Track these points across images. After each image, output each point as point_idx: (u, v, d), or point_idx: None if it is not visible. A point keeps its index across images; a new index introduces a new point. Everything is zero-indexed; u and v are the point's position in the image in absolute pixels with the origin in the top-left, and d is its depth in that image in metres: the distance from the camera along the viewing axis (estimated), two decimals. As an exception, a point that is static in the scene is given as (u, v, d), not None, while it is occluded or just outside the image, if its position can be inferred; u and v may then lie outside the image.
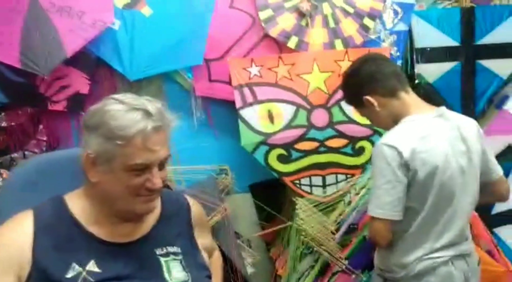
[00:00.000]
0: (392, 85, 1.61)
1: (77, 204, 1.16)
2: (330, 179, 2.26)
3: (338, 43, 2.31)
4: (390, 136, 1.54)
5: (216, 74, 2.26)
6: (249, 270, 2.29)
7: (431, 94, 2.42)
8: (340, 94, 1.94)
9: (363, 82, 1.64)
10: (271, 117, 2.20)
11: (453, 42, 2.48)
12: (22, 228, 1.09)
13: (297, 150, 2.22)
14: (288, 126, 2.22)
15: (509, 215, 2.50)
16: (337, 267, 2.12)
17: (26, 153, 2.22)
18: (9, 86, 2.06)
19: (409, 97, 1.62)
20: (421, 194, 1.53)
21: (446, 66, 2.49)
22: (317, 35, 2.30)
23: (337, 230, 2.17)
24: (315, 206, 2.22)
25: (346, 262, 2.11)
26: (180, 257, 1.21)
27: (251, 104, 2.19)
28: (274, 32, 2.26)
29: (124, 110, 1.09)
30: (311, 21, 2.29)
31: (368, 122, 1.82)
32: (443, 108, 1.61)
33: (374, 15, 2.35)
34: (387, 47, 2.36)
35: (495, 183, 1.71)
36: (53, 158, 1.44)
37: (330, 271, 2.14)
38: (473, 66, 2.50)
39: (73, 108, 2.12)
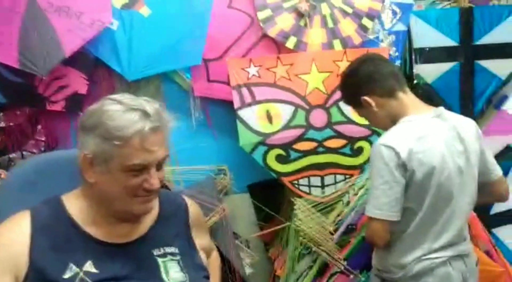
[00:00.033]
0: (390, 85, 1.61)
1: (74, 204, 1.16)
2: (328, 179, 2.26)
3: (337, 44, 2.31)
4: (387, 137, 1.54)
5: (214, 74, 2.25)
6: (248, 270, 2.29)
7: (430, 95, 2.42)
8: (338, 94, 1.93)
9: (361, 82, 1.64)
10: (269, 118, 2.20)
11: (451, 43, 2.48)
12: (19, 228, 1.09)
13: (296, 150, 2.22)
14: (286, 126, 2.21)
15: (507, 215, 2.49)
16: (335, 267, 2.12)
17: (24, 153, 2.21)
18: (7, 87, 2.06)
19: (407, 98, 1.63)
20: (419, 194, 1.53)
21: (445, 66, 2.49)
22: (315, 35, 2.30)
23: (336, 230, 2.17)
24: (313, 206, 2.22)
25: (345, 262, 2.11)
26: (177, 257, 1.22)
27: (249, 104, 2.19)
28: (272, 32, 2.25)
29: (122, 111, 1.09)
30: (309, 21, 2.28)
31: (366, 122, 1.82)
32: (441, 109, 1.61)
33: (373, 15, 2.35)
34: (386, 48, 2.36)
35: (494, 183, 1.71)
36: (52, 158, 1.44)
37: (328, 271, 2.14)
38: (472, 67, 2.50)
39: (72, 108, 2.12)
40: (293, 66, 2.23)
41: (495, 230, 2.49)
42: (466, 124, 1.64)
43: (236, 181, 2.32)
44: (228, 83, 2.21)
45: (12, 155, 2.20)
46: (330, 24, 2.31)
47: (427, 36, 2.45)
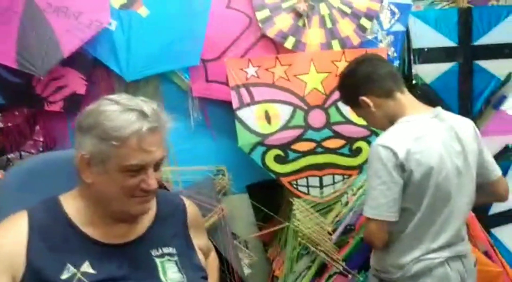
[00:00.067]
0: (388, 86, 1.62)
1: (72, 204, 1.16)
2: (327, 179, 2.26)
3: (335, 44, 2.31)
4: (385, 137, 1.54)
5: (213, 74, 2.25)
6: (246, 271, 2.29)
7: (429, 95, 2.42)
8: (337, 95, 1.93)
9: (359, 83, 1.64)
10: (268, 118, 2.20)
11: (450, 43, 2.48)
12: (16, 229, 1.09)
13: (294, 151, 2.22)
14: (285, 127, 2.21)
15: (506, 215, 2.49)
16: (334, 268, 2.12)
17: (22, 153, 2.21)
18: (6, 87, 2.05)
19: (405, 98, 1.63)
20: (417, 194, 1.53)
21: (444, 66, 2.49)
22: (314, 35, 2.30)
23: (334, 230, 2.17)
24: (312, 206, 2.22)
25: (343, 263, 2.11)
26: (175, 258, 1.21)
27: (248, 105, 2.18)
28: (271, 32, 2.25)
29: (119, 111, 1.09)
30: (308, 21, 2.28)
31: (365, 123, 1.82)
32: (438, 109, 1.61)
33: (371, 16, 2.35)
34: (384, 48, 2.36)
35: (493, 183, 1.71)
36: (50, 159, 1.44)
37: (327, 271, 2.14)
38: (471, 67, 2.51)
39: (70, 109, 2.11)
40: (292, 66, 2.23)
41: (494, 230, 2.49)
42: (464, 125, 1.64)
43: (234, 181, 2.32)
44: (226, 84, 2.21)
45: (11, 155, 2.20)
46: (329, 24, 2.31)
47: (425, 36, 2.46)
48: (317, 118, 2.24)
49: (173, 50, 2.18)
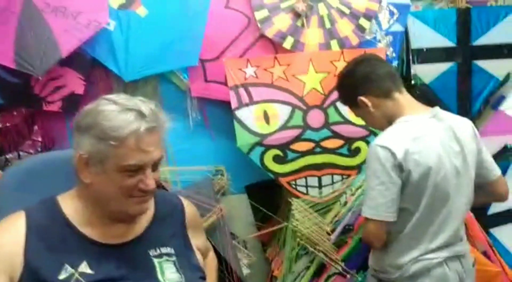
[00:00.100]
0: (387, 86, 1.62)
1: (70, 204, 1.16)
2: (326, 179, 2.26)
3: (334, 44, 2.31)
4: (383, 138, 1.55)
5: (211, 74, 2.25)
6: (245, 271, 2.28)
7: (428, 95, 2.42)
8: (336, 95, 1.93)
9: (357, 83, 1.64)
10: (266, 118, 2.20)
11: (449, 43, 2.49)
12: (14, 229, 1.09)
13: (293, 151, 2.21)
14: (284, 127, 2.21)
15: (505, 215, 2.50)
16: (333, 269, 2.12)
17: (21, 153, 2.21)
18: (4, 87, 2.05)
19: (403, 98, 1.63)
20: (415, 195, 1.53)
21: (442, 67, 2.50)
22: (313, 35, 2.29)
23: (333, 230, 2.17)
24: (311, 206, 2.22)
25: (342, 263, 2.10)
26: (173, 258, 1.21)
27: (246, 105, 2.18)
28: (270, 32, 2.25)
29: (117, 111, 1.09)
30: (307, 21, 2.28)
31: (363, 123, 1.82)
32: (436, 109, 1.61)
33: (370, 16, 2.35)
34: (383, 48, 2.36)
35: (492, 183, 1.71)
36: (48, 159, 1.44)
37: (325, 272, 2.13)
38: (469, 67, 2.51)
39: (68, 109, 2.10)
40: (290, 66, 2.23)
41: (493, 230, 2.49)
42: (462, 125, 1.64)
43: (233, 182, 2.32)
44: (225, 84, 2.21)
45: (9, 156, 2.19)
46: (328, 24, 2.31)
47: (424, 36, 2.46)
48: (316, 118, 2.23)
49: (171, 50, 2.17)
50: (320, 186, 2.25)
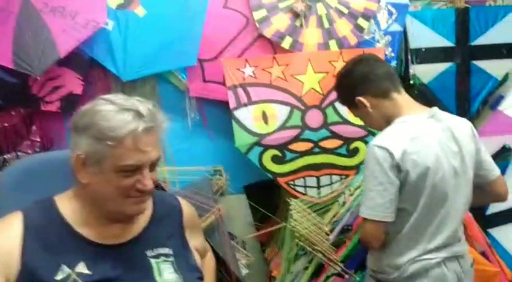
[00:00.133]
0: (385, 86, 1.61)
1: (67, 205, 1.16)
2: (324, 179, 2.25)
3: (333, 44, 2.31)
4: (381, 138, 1.54)
5: (210, 74, 2.25)
6: (244, 271, 2.28)
7: (426, 95, 2.42)
8: (334, 95, 1.93)
9: (356, 83, 1.64)
10: (265, 118, 2.20)
11: (448, 43, 2.48)
12: (11, 229, 1.09)
13: (292, 151, 2.21)
14: (282, 127, 2.21)
15: (504, 215, 2.49)
16: (332, 269, 2.11)
17: (19, 154, 2.20)
18: (2, 87, 2.04)
19: (402, 98, 1.62)
20: (413, 195, 1.53)
21: (441, 67, 2.49)
22: (311, 35, 2.29)
23: (332, 231, 2.17)
24: (309, 207, 2.22)
25: (341, 264, 2.10)
26: (171, 258, 1.21)
27: (245, 105, 2.18)
28: (268, 32, 2.25)
29: (115, 111, 1.08)
30: (305, 21, 2.28)
31: (362, 123, 1.82)
32: (434, 109, 1.61)
33: (369, 16, 2.35)
34: (382, 48, 2.36)
35: (492, 183, 1.70)
36: (46, 159, 1.44)
37: (324, 272, 2.13)
38: (468, 67, 2.51)
39: (67, 109, 2.10)
40: (289, 66, 2.22)
41: (491, 231, 2.48)
42: (461, 125, 1.63)
43: (232, 182, 2.32)
44: (223, 84, 2.20)
45: (7, 156, 2.18)
46: (326, 24, 2.31)
47: (423, 36, 2.46)
48: (314, 118, 2.23)
49: (170, 50, 2.17)
50: (318, 186, 2.25)
